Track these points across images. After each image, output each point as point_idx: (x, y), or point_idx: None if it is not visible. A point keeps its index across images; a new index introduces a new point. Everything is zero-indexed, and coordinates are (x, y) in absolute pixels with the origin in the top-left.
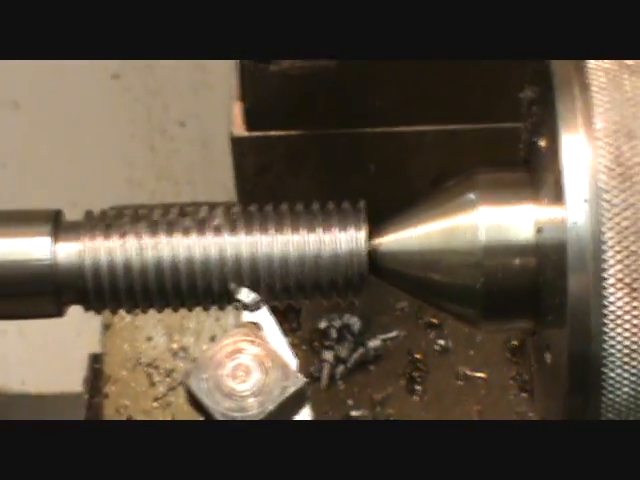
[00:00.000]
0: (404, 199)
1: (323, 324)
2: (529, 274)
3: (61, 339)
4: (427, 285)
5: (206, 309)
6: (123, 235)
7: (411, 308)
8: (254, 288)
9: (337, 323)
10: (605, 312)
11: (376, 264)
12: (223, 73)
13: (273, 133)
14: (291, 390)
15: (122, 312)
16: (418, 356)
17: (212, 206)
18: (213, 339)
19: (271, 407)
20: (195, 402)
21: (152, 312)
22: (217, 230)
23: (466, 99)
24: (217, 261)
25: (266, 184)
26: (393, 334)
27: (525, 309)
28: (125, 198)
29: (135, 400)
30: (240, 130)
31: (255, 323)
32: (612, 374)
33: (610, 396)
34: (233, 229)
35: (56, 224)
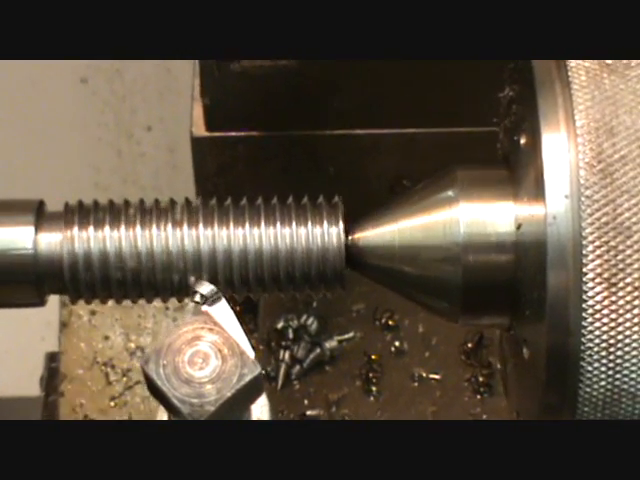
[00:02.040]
0: (362, 202)
1: (280, 324)
2: (508, 269)
3: (20, 340)
4: (406, 279)
5: (165, 301)
6: (100, 227)
7: (367, 310)
8: (228, 280)
9: (294, 323)
10: (584, 307)
11: (355, 259)
12: (189, 77)
13: (233, 134)
14: (248, 378)
15: (79, 311)
16: (374, 357)
17: (188, 202)
18: None
19: (228, 394)
20: (153, 388)
21: (110, 311)
22: (192, 223)
23: (424, 103)
24: (192, 254)
25: (226, 185)
26: (349, 335)
27: (503, 304)
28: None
29: (91, 399)
30: (200, 130)
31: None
32: (590, 368)
33: (587, 389)
34: (207, 222)
35: (39, 214)
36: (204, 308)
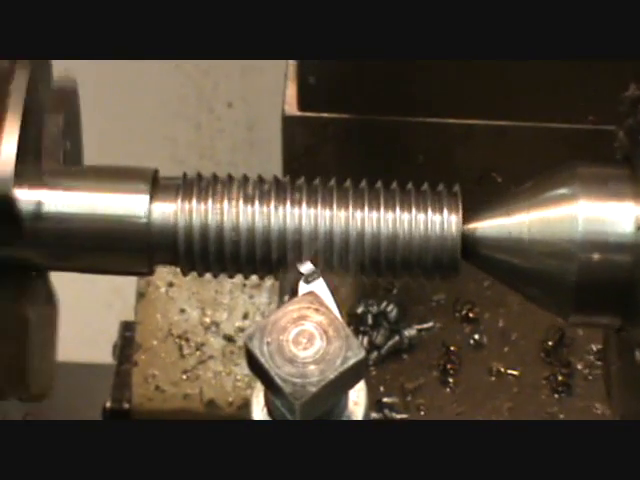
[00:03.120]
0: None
1: (360, 309)
2: (625, 270)
3: (87, 306)
4: (519, 273)
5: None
6: (217, 200)
7: (448, 300)
8: (345, 263)
9: (374, 309)
10: None
11: (469, 249)
12: None
13: (325, 115)
14: (352, 361)
15: (157, 282)
16: (452, 348)
17: (309, 183)
18: (246, 317)
19: (331, 376)
20: (255, 365)
21: (187, 284)
22: (311, 203)
23: (518, 96)
24: (315, 233)
25: (313, 165)
26: (429, 325)
27: (617, 305)
28: (167, 175)
29: (164, 370)
30: (292, 109)
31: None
32: None
33: None
34: (326, 203)
35: (154, 183)
36: (303, 286)
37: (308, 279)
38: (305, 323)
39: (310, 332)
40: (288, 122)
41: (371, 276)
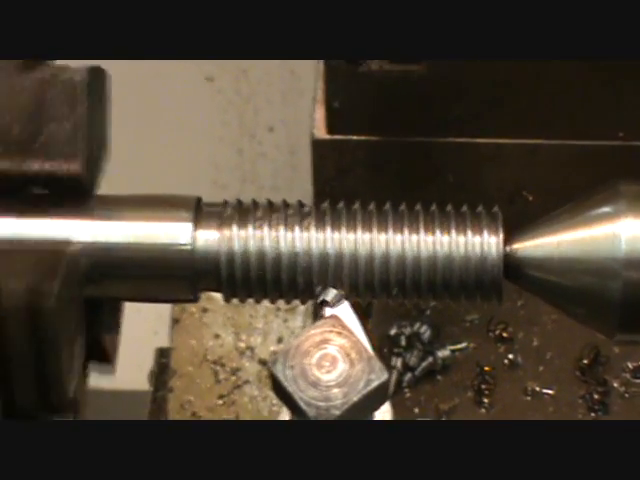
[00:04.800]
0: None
1: (393, 331)
2: None
3: (132, 333)
4: (563, 292)
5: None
6: (258, 226)
7: (481, 320)
8: (385, 285)
9: (407, 331)
10: None
11: (512, 269)
12: (312, 80)
13: (354, 137)
14: (375, 383)
15: (191, 308)
16: (487, 369)
17: (349, 207)
18: (280, 341)
19: (355, 398)
20: (279, 389)
21: (221, 309)
22: (350, 227)
23: (548, 113)
24: (349, 256)
25: (343, 188)
26: (462, 345)
27: None
28: (209, 199)
29: (200, 396)
30: (321, 133)
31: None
32: None
33: None
34: (365, 226)
35: (197, 211)
36: (328, 310)
37: (333, 303)
38: (328, 346)
39: (333, 355)
40: (317, 146)
41: (426, 299)
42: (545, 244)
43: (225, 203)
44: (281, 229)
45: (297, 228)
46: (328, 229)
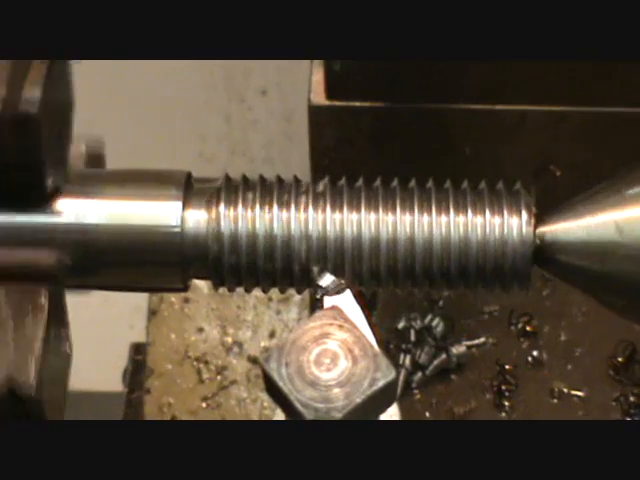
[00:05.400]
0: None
1: (401, 324)
2: None
3: (105, 327)
4: (600, 280)
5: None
6: (253, 206)
7: (502, 312)
8: (410, 271)
9: (417, 324)
10: None
11: (541, 254)
12: None
13: (357, 104)
14: (381, 383)
15: (171, 297)
16: (508, 367)
17: (368, 185)
18: (272, 335)
19: (358, 400)
20: (273, 389)
21: (205, 300)
22: (353, 207)
23: (577, 77)
24: (354, 239)
25: (345, 162)
26: (480, 340)
27: None
28: (195, 173)
29: (180, 398)
30: (320, 98)
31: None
32: None
33: None
34: (389, 207)
35: (187, 189)
36: (328, 301)
37: (332, 291)
38: (328, 341)
39: (333, 351)
40: (315, 112)
41: (439, 288)
42: (579, 226)
43: (215, 180)
44: (275, 209)
45: (293, 207)
46: (328, 209)
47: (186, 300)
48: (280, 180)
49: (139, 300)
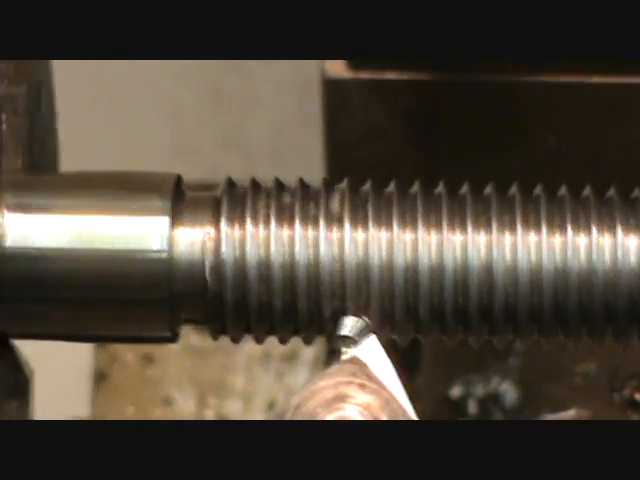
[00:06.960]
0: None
1: (456, 391)
2: None
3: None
4: None
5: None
6: (266, 223)
7: (601, 373)
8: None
9: (479, 391)
10: None
11: None
12: None
13: (391, 77)
14: None
15: (127, 354)
16: None
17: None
18: (272, 407)
19: None
20: None
21: (176, 357)
22: (402, 222)
23: None
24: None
25: (374, 154)
26: (569, 413)
27: None
28: (173, 170)
29: None
30: (338, 69)
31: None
32: None
33: None
34: (456, 223)
35: (176, 198)
36: (346, 351)
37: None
38: (345, 406)
39: (353, 419)
40: (332, 88)
41: (527, 335)
42: None
43: (214, 186)
44: (297, 226)
45: (322, 224)
46: (370, 225)
47: (148, 358)
48: (304, 185)
49: (78, 357)
